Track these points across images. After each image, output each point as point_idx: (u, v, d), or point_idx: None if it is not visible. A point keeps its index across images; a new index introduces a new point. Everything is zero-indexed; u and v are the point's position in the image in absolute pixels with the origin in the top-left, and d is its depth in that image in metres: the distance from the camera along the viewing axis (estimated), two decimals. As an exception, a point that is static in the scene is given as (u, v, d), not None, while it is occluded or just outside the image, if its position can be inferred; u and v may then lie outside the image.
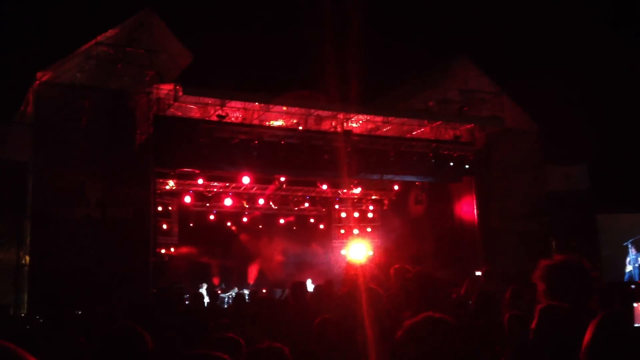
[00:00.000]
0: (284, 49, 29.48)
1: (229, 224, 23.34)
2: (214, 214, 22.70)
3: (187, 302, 14.89)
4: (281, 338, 4.29)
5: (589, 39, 26.84)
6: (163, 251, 21.19)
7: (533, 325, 3.32)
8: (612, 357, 2.45)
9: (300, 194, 22.94)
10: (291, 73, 27.46)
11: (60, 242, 14.34)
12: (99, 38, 14.91)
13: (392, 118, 18.54)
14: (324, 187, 22.43)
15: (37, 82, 14.60)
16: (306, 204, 23.57)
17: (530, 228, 19.65)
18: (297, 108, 17.35)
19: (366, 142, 18.16)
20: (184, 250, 22.11)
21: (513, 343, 3.70)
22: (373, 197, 24.59)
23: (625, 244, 21.68)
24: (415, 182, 21.28)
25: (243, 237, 23.44)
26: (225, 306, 17.88)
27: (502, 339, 4.67)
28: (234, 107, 16.66)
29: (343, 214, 25.30)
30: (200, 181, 19.82)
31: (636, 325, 3.93)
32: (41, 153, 14.63)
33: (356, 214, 25.16)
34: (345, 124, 17.95)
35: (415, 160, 18.62)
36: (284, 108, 17.19)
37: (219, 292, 19.64)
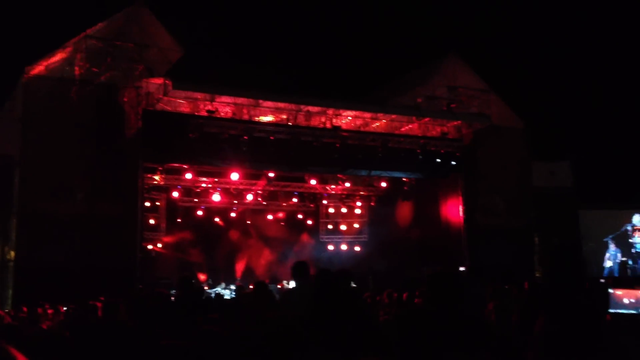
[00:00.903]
0: (274, 45, 29.52)
1: (217, 219, 23.28)
2: (202, 210, 22.63)
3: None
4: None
5: (573, 37, 27.13)
6: (150, 247, 21.11)
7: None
8: None
9: (288, 189, 22.95)
10: (282, 69, 27.50)
11: (47, 237, 14.27)
12: (88, 31, 14.81)
13: (381, 114, 18.62)
14: (313, 182, 22.47)
15: (26, 75, 14.48)
16: (294, 200, 23.59)
17: (515, 224, 19.86)
18: (286, 104, 17.35)
19: (355, 138, 18.22)
20: (172, 245, 22.02)
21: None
22: (361, 193, 24.66)
23: (605, 239, 21.98)
24: (402, 178, 21.37)
25: (231, 232, 23.39)
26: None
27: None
28: (223, 102, 16.63)
29: (331, 210, 25.37)
30: (188, 175, 19.73)
31: (610, 310, 4.14)
32: (29, 147, 14.52)
33: (344, 210, 25.24)
34: (334, 120, 18.00)
35: (403, 157, 18.73)
36: (274, 104, 17.18)
37: (206, 287, 19.60)
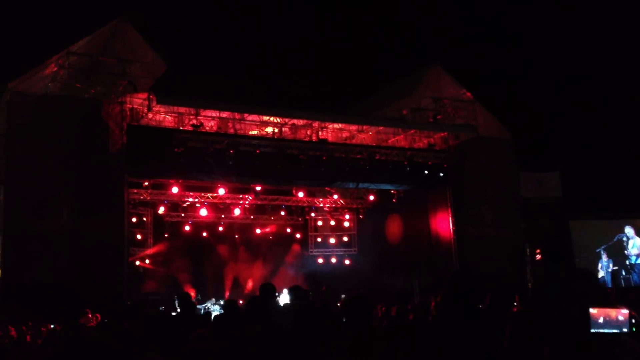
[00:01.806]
0: (259, 58, 29.57)
1: (204, 234, 23.15)
2: (190, 224, 22.53)
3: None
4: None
5: (559, 46, 27.29)
6: (138, 262, 20.97)
7: None
8: None
9: (276, 203, 22.89)
10: (266, 82, 27.52)
11: (33, 253, 14.18)
12: (71, 47, 14.79)
13: (367, 127, 18.63)
14: (300, 194, 22.44)
15: (8, 92, 14.42)
16: (282, 213, 23.52)
17: (504, 235, 19.84)
18: (272, 117, 17.34)
19: (341, 151, 18.21)
20: (159, 261, 21.87)
21: None
22: (349, 206, 24.62)
23: (597, 250, 21.97)
24: (390, 190, 21.35)
25: (219, 247, 23.26)
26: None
27: None
28: (208, 117, 16.62)
29: (320, 223, 25.31)
30: (175, 190, 19.64)
31: (592, 330, 4.02)
32: (13, 164, 14.44)
33: (332, 222, 25.18)
34: (320, 133, 18.00)
35: (390, 169, 18.72)
36: (259, 117, 17.17)
37: (195, 303, 19.43)
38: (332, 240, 25.25)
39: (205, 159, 16.20)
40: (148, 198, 20.50)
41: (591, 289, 4.53)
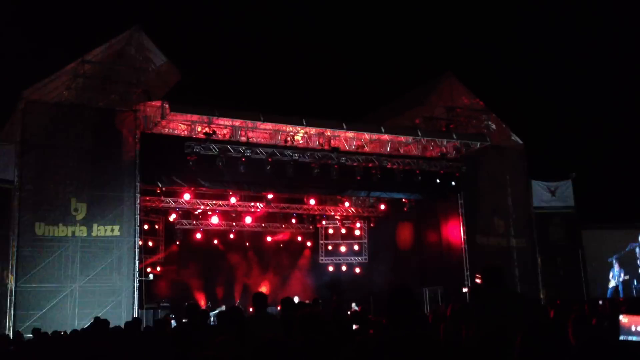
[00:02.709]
0: (271, 67, 29.66)
1: (215, 241, 23.19)
2: (201, 232, 22.57)
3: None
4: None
5: (573, 55, 27.21)
6: (149, 270, 21.01)
7: None
8: None
9: (287, 211, 22.91)
10: (279, 91, 27.61)
11: (46, 260, 14.28)
12: (86, 56, 14.92)
13: (379, 135, 18.60)
14: (312, 202, 22.46)
15: (24, 100, 14.55)
16: (293, 221, 23.53)
17: (516, 244, 19.76)
18: (284, 125, 17.37)
19: (353, 160, 18.21)
20: (171, 268, 21.91)
21: None
22: (360, 215, 24.61)
23: (609, 259, 21.81)
24: (402, 199, 21.31)
25: (230, 255, 23.29)
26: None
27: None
28: (221, 125, 16.66)
29: (330, 231, 25.32)
30: (187, 197, 19.70)
31: (621, 337, 3.97)
32: (27, 171, 14.55)
33: (343, 231, 25.18)
34: (332, 141, 18.01)
35: (402, 178, 18.67)
36: (272, 125, 17.21)
37: (207, 310, 19.45)
38: (343, 249, 25.25)
39: (217, 167, 16.24)
40: (160, 205, 20.56)
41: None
